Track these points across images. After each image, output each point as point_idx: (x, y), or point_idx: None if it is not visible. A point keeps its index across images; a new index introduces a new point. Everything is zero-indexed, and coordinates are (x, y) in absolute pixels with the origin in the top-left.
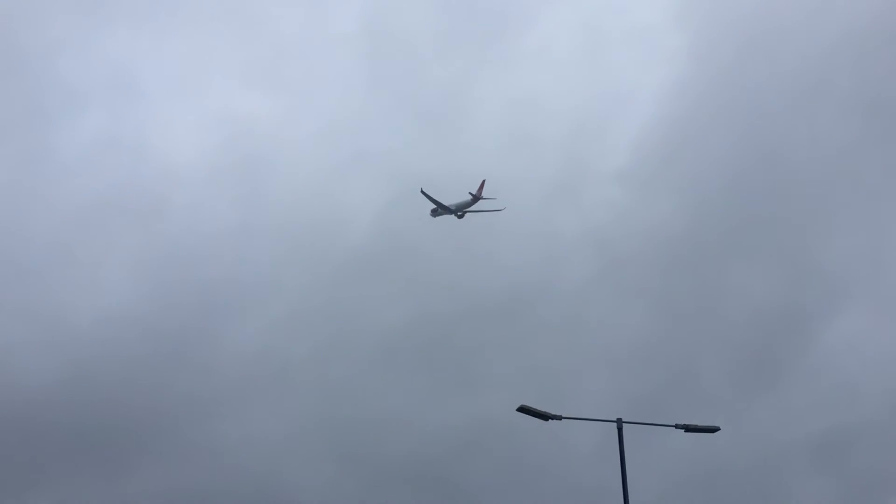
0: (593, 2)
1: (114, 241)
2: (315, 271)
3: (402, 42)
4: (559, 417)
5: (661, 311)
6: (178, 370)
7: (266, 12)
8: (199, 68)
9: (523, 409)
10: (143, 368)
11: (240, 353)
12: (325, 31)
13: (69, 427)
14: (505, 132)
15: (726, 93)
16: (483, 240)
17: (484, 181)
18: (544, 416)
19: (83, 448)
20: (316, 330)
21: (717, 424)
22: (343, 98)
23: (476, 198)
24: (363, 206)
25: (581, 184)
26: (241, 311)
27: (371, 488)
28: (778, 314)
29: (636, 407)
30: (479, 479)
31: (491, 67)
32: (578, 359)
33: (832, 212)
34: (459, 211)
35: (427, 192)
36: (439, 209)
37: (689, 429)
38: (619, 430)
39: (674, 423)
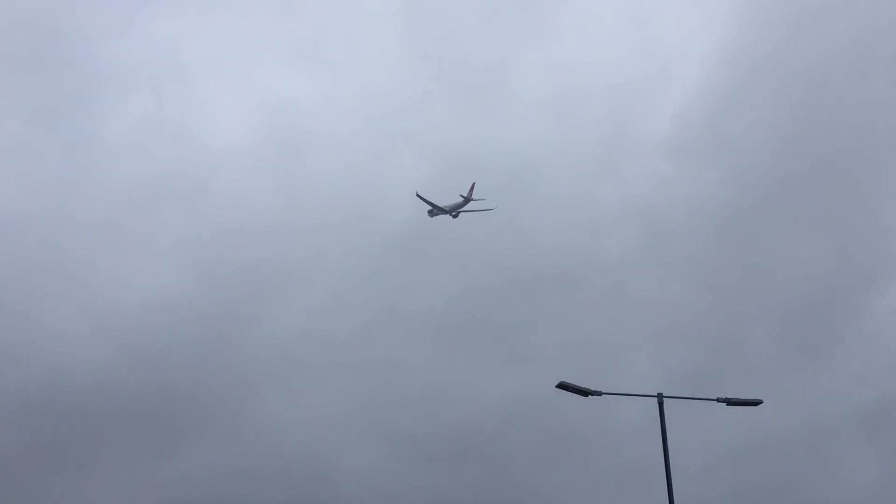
0: None
1: (160, 225)
2: (358, 250)
3: (442, 17)
4: (599, 393)
5: (707, 284)
6: (224, 352)
7: None
8: (242, 49)
9: (563, 386)
10: (189, 351)
11: (284, 334)
12: (366, 9)
13: (119, 411)
14: (547, 104)
15: (776, 57)
16: (526, 214)
17: (474, 184)
18: (584, 392)
19: (132, 431)
20: (360, 309)
21: (763, 397)
22: (384, 75)
23: (467, 199)
24: (405, 184)
25: (624, 154)
26: (286, 291)
27: (416, 466)
28: (826, 284)
29: (683, 381)
30: (523, 455)
31: (533, 39)
32: (623, 333)
33: (883, 178)
34: (453, 211)
35: (422, 196)
36: (435, 210)
37: (730, 402)
38: (660, 404)
39: (715, 397)
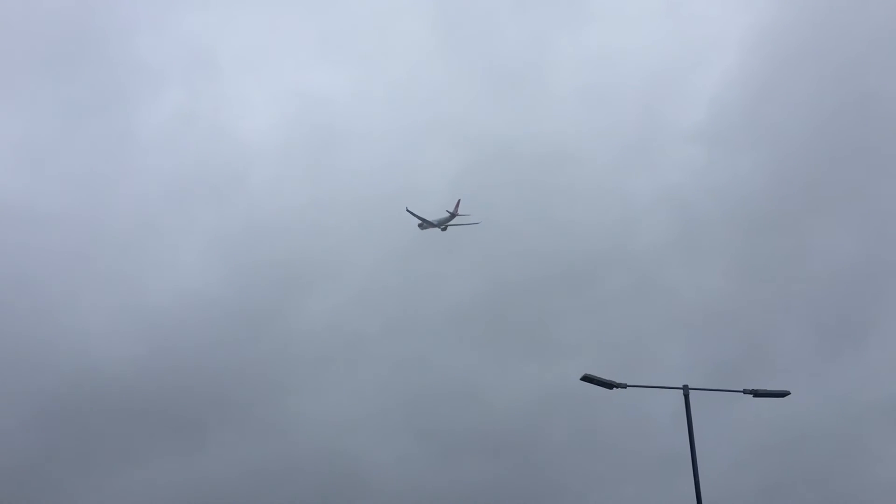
0: None
1: (193, 219)
2: (387, 245)
3: (473, 6)
4: (624, 386)
5: (741, 273)
6: (254, 347)
7: None
8: (272, 42)
9: (587, 378)
10: (220, 346)
11: (313, 329)
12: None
13: (148, 409)
14: (580, 93)
15: (815, 40)
16: (558, 204)
17: (459, 200)
18: (609, 385)
19: (162, 429)
20: (388, 304)
21: (795, 389)
22: (416, 65)
23: (453, 214)
24: (438, 176)
25: (658, 142)
26: (315, 286)
27: (444, 461)
28: (860, 274)
29: (714, 372)
30: (553, 449)
31: (565, 27)
32: (654, 324)
33: None
34: (442, 225)
35: (412, 210)
36: (424, 224)
37: (757, 394)
38: (686, 397)
39: (741, 389)
